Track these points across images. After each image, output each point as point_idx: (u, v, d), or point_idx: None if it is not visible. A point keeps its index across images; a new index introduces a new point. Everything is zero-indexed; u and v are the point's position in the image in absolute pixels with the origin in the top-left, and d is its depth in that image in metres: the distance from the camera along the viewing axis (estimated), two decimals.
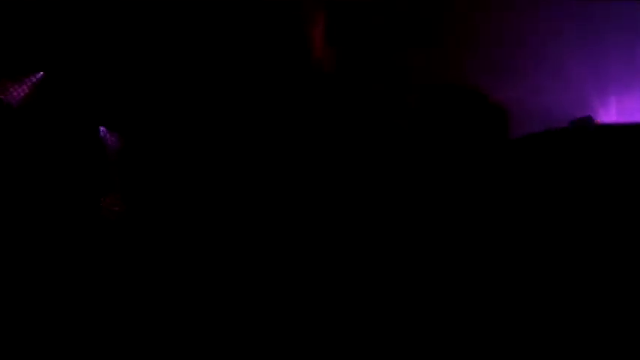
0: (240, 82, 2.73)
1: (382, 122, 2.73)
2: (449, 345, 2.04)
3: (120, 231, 2.55)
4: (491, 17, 2.94)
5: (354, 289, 2.33)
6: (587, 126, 2.34)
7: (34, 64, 2.56)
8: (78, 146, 2.58)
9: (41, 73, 2.55)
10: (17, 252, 2.44)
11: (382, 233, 2.42)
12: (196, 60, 2.72)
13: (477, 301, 2.06)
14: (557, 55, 3.01)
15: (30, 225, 2.48)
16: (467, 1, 2.98)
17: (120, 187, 2.58)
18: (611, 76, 3.08)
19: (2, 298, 2.36)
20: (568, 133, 2.13)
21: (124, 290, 2.45)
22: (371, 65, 2.85)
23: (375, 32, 2.86)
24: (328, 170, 2.67)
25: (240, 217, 2.60)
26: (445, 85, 2.71)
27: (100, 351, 2.31)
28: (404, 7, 2.92)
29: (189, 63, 2.71)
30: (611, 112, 3.08)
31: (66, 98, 2.60)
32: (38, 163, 2.53)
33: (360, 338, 2.19)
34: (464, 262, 2.14)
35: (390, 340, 2.14)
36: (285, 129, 2.72)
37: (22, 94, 2.54)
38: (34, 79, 2.55)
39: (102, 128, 2.59)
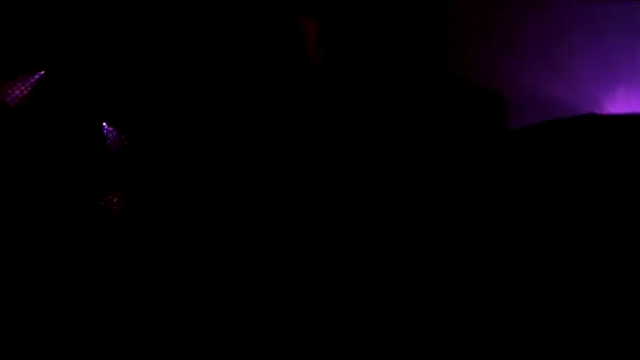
0: (240, 82, 2.74)
1: (380, 122, 2.73)
2: (449, 343, 2.03)
3: (121, 230, 2.55)
4: (492, 13, 2.95)
5: (353, 286, 2.32)
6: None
7: (34, 63, 2.57)
8: (80, 144, 2.58)
9: (42, 71, 2.55)
10: (17, 251, 2.44)
11: (382, 230, 2.42)
12: (194, 60, 2.72)
13: (478, 297, 2.06)
14: (563, 49, 3.02)
15: (31, 223, 2.48)
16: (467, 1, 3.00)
17: (121, 185, 2.58)
18: (618, 68, 3.10)
19: (2, 296, 2.36)
20: (567, 124, 2.13)
21: (124, 289, 2.45)
22: (368, 65, 2.85)
23: (373, 32, 2.87)
24: (326, 169, 2.67)
25: (240, 215, 2.59)
26: (438, 76, 2.72)
27: (100, 351, 2.31)
28: (404, 7, 2.92)
29: (187, 63, 2.71)
30: (618, 105, 3.08)
31: (67, 96, 2.60)
32: (39, 162, 2.53)
33: (360, 338, 2.18)
34: (465, 258, 2.13)
35: (390, 339, 2.14)
36: (284, 129, 2.73)
37: (21, 93, 2.54)
38: (34, 78, 2.55)
39: (105, 125, 2.59)
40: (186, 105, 2.69)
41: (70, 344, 2.32)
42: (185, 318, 2.39)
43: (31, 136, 2.55)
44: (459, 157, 2.34)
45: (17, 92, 2.54)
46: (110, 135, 2.63)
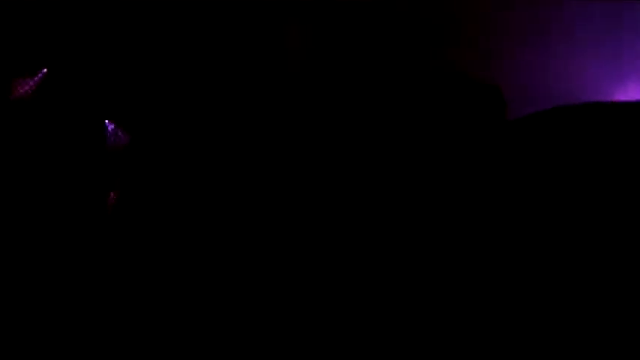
0: (228, 84, 2.75)
1: (374, 118, 2.73)
2: (449, 342, 2.02)
3: (121, 229, 2.55)
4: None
5: (351, 283, 2.31)
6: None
7: (37, 61, 2.58)
8: (82, 142, 2.59)
9: (44, 70, 2.56)
10: (18, 249, 2.45)
11: (378, 228, 2.41)
12: (182, 63, 2.74)
13: (478, 294, 2.04)
14: (575, 42, 3.04)
15: (32, 222, 2.49)
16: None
17: (121, 183, 2.59)
18: (630, 60, 3.11)
19: (2, 295, 2.37)
20: (570, 112, 2.11)
21: (124, 289, 2.45)
22: (364, 64, 2.86)
23: (370, 30, 2.87)
24: (320, 169, 2.67)
25: (236, 214, 2.60)
26: (436, 71, 2.72)
27: (100, 350, 2.31)
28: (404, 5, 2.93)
29: (185, 62, 2.73)
30: (630, 96, 3.09)
31: (70, 94, 2.61)
32: (41, 159, 2.54)
33: (360, 338, 2.17)
34: (464, 256, 2.12)
35: (390, 338, 2.12)
36: (269, 131, 2.74)
37: (26, 91, 2.56)
38: (38, 77, 2.57)
39: (108, 123, 2.60)
40: (174, 107, 2.71)
41: (70, 344, 2.33)
42: (185, 318, 2.39)
43: (31, 134, 2.56)
44: (458, 150, 2.33)
45: (23, 90, 2.56)
46: (115, 132, 2.64)
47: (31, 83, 2.52)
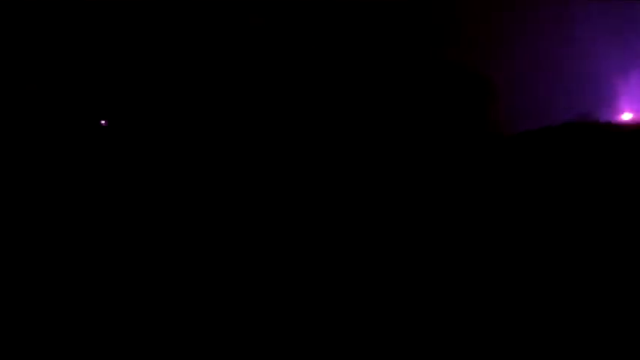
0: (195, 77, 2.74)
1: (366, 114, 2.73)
2: (449, 342, 2.03)
3: (121, 229, 2.56)
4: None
5: (349, 280, 2.32)
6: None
7: (35, 63, 2.58)
8: (80, 141, 2.59)
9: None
10: (18, 248, 2.46)
11: (371, 223, 2.41)
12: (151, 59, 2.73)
13: (475, 293, 2.05)
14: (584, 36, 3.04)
15: (32, 222, 2.50)
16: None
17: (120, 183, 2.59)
18: (632, 50, 3.12)
19: (2, 294, 2.38)
20: (560, 131, 2.10)
21: (124, 288, 2.46)
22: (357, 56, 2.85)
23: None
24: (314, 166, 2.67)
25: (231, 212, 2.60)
26: (432, 61, 2.70)
27: (100, 350, 2.32)
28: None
29: (183, 62, 2.72)
30: (632, 84, 3.09)
31: (68, 95, 2.61)
32: (40, 159, 2.55)
33: (360, 337, 2.18)
34: (463, 256, 2.12)
35: (390, 338, 2.13)
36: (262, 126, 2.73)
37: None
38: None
39: (103, 122, 2.60)
40: (180, 103, 2.70)
41: (70, 342, 2.34)
42: (185, 317, 2.40)
43: (33, 132, 2.56)
44: (455, 160, 2.33)
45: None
46: (110, 131, 2.63)
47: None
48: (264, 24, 2.71)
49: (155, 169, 2.64)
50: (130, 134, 2.66)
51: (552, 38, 3.11)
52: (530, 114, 3.07)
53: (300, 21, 2.81)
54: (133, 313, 2.41)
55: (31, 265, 2.45)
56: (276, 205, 2.60)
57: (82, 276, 2.47)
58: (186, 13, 2.75)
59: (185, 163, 2.67)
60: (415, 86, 2.78)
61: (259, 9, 2.80)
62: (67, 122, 2.62)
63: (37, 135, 2.58)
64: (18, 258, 2.45)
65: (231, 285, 2.47)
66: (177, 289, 2.47)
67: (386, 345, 2.16)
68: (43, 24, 2.62)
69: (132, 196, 2.62)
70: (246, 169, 2.69)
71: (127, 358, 2.32)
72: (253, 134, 2.73)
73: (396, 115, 2.75)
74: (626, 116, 3.34)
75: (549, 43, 3.11)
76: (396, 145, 2.71)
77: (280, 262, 2.50)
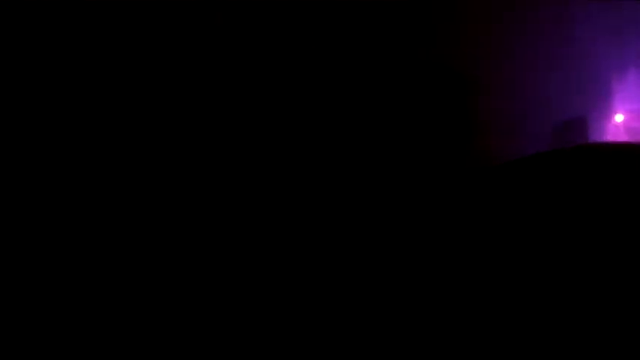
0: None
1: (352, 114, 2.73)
2: (449, 343, 2.02)
3: (121, 229, 2.56)
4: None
5: (347, 279, 2.32)
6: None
7: (34, 64, 2.57)
8: (80, 142, 2.59)
9: None
10: (18, 248, 2.46)
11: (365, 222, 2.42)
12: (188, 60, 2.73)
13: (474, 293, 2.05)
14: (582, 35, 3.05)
15: (31, 222, 2.50)
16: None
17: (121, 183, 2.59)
18: (630, 50, 3.13)
19: (2, 293, 2.38)
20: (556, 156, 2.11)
21: (124, 289, 2.46)
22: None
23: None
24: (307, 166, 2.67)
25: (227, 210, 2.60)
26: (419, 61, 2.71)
27: (100, 350, 2.32)
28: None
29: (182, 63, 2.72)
30: (630, 83, 3.10)
31: (67, 96, 2.61)
32: (40, 160, 2.55)
33: (360, 337, 2.18)
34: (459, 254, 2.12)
35: (390, 338, 2.13)
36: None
37: None
38: None
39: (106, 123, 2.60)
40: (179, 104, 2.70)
41: (70, 342, 2.34)
42: (184, 317, 2.40)
43: (33, 133, 2.56)
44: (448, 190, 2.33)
45: None
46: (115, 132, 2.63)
47: None
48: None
49: (153, 169, 2.63)
50: (124, 136, 2.65)
51: (552, 38, 3.12)
52: (530, 114, 3.08)
53: (299, 20, 2.81)
54: (133, 312, 2.40)
55: (31, 265, 2.45)
56: (267, 205, 2.60)
57: (82, 276, 2.47)
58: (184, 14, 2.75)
59: (183, 164, 2.67)
60: (414, 86, 2.78)
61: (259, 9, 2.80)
62: (67, 122, 2.61)
63: (37, 135, 2.57)
64: (18, 258, 2.45)
65: (231, 285, 2.47)
66: (177, 288, 2.47)
67: (386, 345, 2.16)
68: (44, 24, 2.62)
69: (132, 196, 2.62)
70: (241, 169, 2.68)
71: (127, 358, 2.32)
72: (246, 133, 2.72)
73: (394, 115, 2.75)
74: (619, 117, 3.35)
75: (549, 43, 3.12)
76: (396, 145, 2.70)
77: (277, 262, 2.50)
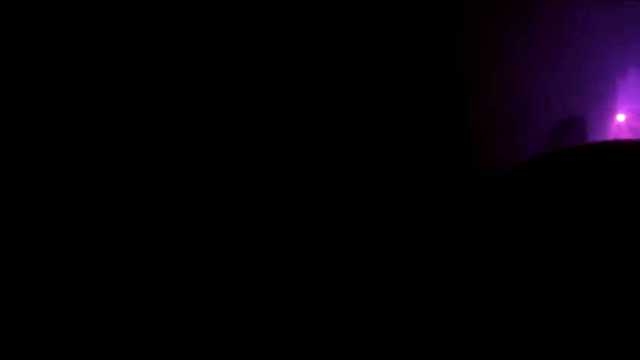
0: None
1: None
2: (449, 344, 2.03)
3: (121, 228, 2.56)
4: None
5: (347, 279, 2.32)
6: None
7: (34, 64, 2.58)
8: (81, 142, 2.59)
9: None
10: (18, 248, 2.46)
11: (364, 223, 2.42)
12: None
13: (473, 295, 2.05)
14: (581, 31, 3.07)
15: (32, 221, 2.50)
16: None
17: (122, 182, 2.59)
18: (631, 47, 3.14)
19: (2, 293, 2.38)
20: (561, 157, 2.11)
21: (124, 289, 2.46)
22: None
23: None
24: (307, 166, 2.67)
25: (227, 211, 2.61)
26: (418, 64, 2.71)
27: (100, 350, 2.33)
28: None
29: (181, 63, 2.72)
30: (630, 83, 3.11)
31: (67, 95, 2.61)
32: (40, 160, 2.55)
33: (360, 338, 2.18)
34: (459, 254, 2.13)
35: (390, 339, 2.13)
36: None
37: None
38: None
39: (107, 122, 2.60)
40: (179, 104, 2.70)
41: (70, 342, 2.34)
42: (184, 317, 2.40)
43: (33, 132, 2.57)
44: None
45: None
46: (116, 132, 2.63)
47: None
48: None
49: (153, 169, 2.64)
50: (124, 136, 2.66)
51: (552, 38, 3.12)
52: (530, 114, 3.08)
53: (298, 20, 2.82)
54: (133, 312, 2.41)
55: (31, 264, 2.45)
56: (265, 205, 2.60)
57: (82, 276, 2.47)
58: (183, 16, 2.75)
59: (183, 164, 2.67)
60: (414, 86, 2.78)
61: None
62: (67, 122, 2.61)
63: (36, 135, 2.58)
64: (18, 258, 2.45)
65: (231, 284, 2.47)
66: (177, 288, 2.47)
67: (386, 345, 2.16)
68: (43, 24, 2.62)
69: (132, 196, 2.62)
70: (241, 169, 2.69)
71: (127, 358, 2.32)
72: (246, 133, 2.73)
73: (394, 115, 2.75)
74: (621, 117, 3.36)
75: (549, 43, 3.12)
76: (396, 145, 2.70)
77: (277, 263, 2.51)
